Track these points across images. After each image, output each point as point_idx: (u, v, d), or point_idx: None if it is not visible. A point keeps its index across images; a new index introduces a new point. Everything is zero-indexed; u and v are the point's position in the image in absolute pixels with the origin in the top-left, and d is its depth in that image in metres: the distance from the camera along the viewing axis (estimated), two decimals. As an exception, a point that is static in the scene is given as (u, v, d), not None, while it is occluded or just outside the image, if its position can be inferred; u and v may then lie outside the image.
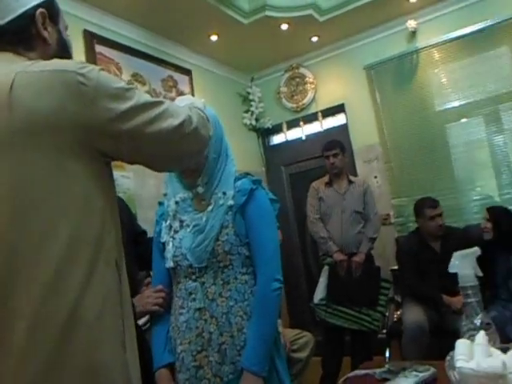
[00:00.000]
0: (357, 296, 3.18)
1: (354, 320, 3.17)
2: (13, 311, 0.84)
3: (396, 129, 4.12)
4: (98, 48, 3.06)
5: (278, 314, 1.38)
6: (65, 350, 0.84)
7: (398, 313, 3.30)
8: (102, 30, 3.13)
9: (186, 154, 1.08)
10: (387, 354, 3.13)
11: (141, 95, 0.97)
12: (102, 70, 0.95)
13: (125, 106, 0.92)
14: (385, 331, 3.24)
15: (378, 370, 1.23)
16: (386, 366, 1.24)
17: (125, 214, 1.76)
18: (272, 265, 1.37)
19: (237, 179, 1.43)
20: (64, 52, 1.07)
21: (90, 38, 3.01)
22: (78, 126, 0.89)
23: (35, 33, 1.01)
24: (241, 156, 4.09)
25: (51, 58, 0.98)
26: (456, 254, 1.03)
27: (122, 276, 0.97)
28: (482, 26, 3.73)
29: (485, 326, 0.95)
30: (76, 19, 2.92)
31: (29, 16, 0.99)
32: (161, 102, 1.00)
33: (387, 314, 3.31)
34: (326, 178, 3.52)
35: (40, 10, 1.00)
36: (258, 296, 1.35)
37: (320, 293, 3.27)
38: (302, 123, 4.56)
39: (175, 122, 0.99)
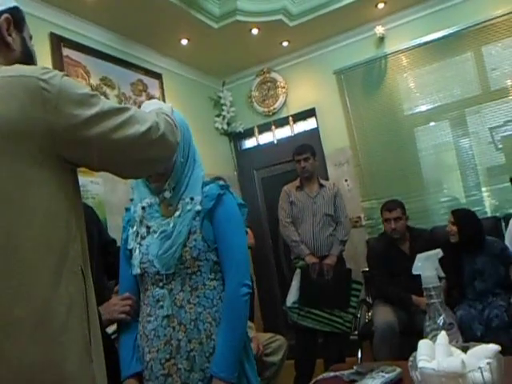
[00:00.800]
0: (329, 298, 3.21)
1: (327, 322, 3.20)
2: None
3: (366, 133, 4.19)
4: (65, 51, 2.99)
5: (247, 319, 1.38)
6: (31, 362, 0.82)
7: (370, 314, 3.35)
8: (69, 33, 3.06)
9: (154, 161, 1.07)
10: (359, 355, 3.17)
11: (106, 101, 0.96)
12: (66, 75, 0.93)
13: (90, 112, 0.91)
14: (357, 332, 3.28)
15: (346, 372, 1.24)
16: (354, 367, 1.25)
17: (93, 223, 1.73)
18: (240, 270, 1.36)
19: (205, 184, 1.42)
20: (28, 59, 1.05)
21: (57, 41, 2.94)
22: (41, 132, 0.87)
23: None
24: (213, 160, 4.08)
25: (14, 64, 0.96)
26: (419, 256, 1.05)
27: (87, 285, 0.96)
28: (447, 33, 3.85)
29: (447, 326, 0.97)
30: (42, 22, 2.86)
31: None
32: (127, 109, 0.99)
33: (359, 315, 3.35)
34: (297, 182, 3.55)
35: (5, 15, 0.99)
36: (227, 302, 1.34)
37: (292, 296, 3.29)
38: (273, 127, 4.60)
39: (142, 128, 0.98)
